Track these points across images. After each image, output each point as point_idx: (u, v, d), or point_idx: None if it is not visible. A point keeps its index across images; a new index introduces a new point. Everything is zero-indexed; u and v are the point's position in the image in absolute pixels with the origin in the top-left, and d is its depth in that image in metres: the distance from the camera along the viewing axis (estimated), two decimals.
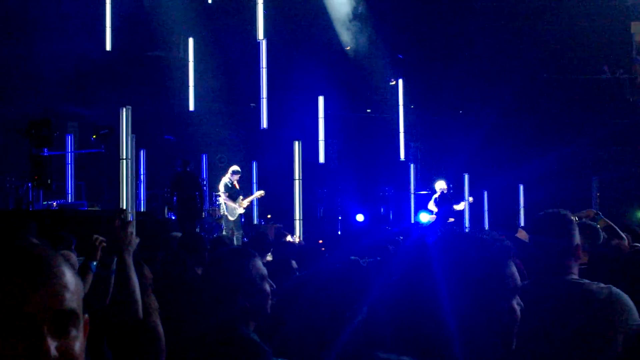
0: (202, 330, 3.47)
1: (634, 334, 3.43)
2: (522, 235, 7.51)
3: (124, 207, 12.05)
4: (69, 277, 1.51)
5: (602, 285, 3.94)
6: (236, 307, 3.38)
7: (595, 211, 7.92)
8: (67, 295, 1.49)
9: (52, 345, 1.45)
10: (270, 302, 3.54)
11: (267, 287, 3.52)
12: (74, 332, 1.50)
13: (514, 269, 2.21)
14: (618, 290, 3.90)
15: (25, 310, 1.44)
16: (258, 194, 19.68)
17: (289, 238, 13.40)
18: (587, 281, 3.98)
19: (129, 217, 3.99)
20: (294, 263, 7.10)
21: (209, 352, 3.33)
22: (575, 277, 4.04)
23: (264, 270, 3.52)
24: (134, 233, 4.30)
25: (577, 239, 4.09)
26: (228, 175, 18.21)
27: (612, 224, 7.36)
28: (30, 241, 1.53)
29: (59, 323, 1.47)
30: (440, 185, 19.57)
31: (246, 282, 3.41)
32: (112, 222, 4.38)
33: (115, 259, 4.32)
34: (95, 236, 5.09)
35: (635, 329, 3.62)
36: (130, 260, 4.28)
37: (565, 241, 4.02)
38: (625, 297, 3.87)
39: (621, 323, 3.76)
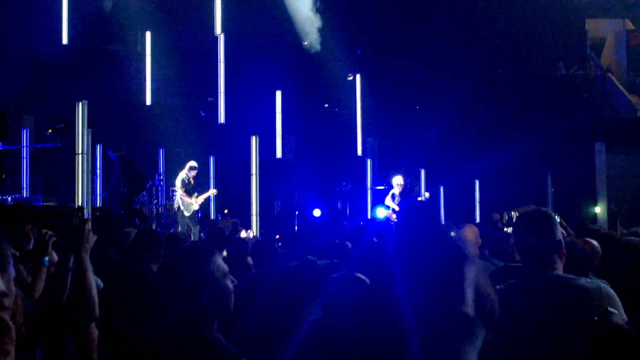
0: (164, 329, 3.45)
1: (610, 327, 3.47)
2: (469, 233, 7.47)
3: (82, 204, 11.98)
4: None
5: (589, 280, 4.08)
6: (200, 305, 3.36)
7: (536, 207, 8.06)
8: None
9: None
10: (232, 299, 3.52)
11: (230, 284, 3.52)
12: None
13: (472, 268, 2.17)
14: (606, 286, 4.03)
15: None
16: (211, 192, 19.70)
17: (243, 233, 13.41)
18: (573, 276, 4.06)
19: (86, 215, 3.96)
20: (249, 259, 7.10)
21: (174, 352, 3.29)
22: (561, 272, 4.11)
23: (225, 267, 3.51)
24: (91, 230, 4.29)
25: (559, 235, 4.18)
26: (185, 170, 18.15)
27: (562, 221, 7.51)
28: None
29: None
30: (398, 181, 19.67)
31: (208, 280, 3.40)
32: (70, 219, 4.36)
33: (72, 256, 4.31)
34: (44, 231, 5.07)
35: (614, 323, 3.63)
36: (87, 258, 4.26)
37: (549, 238, 4.10)
38: (613, 292, 3.98)
39: None
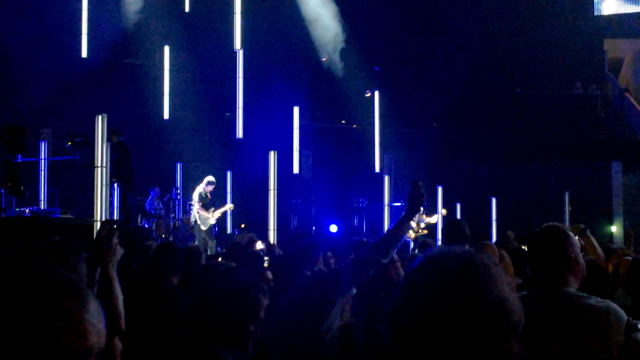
0: (175, 344, 3.46)
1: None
2: (488, 251, 7.48)
3: (108, 218, 12.01)
4: None
5: (600, 299, 3.97)
6: (216, 323, 3.38)
7: (582, 226, 8.02)
8: None
9: None
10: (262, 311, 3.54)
11: (263, 298, 3.53)
12: None
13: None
14: (615, 306, 3.93)
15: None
16: (228, 207, 19.71)
17: (259, 245, 13.36)
18: (585, 294, 4.00)
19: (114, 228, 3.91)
20: (269, 274, 7.10)
21: None
22: (573, 289, 4.06)
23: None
24: (118, 243, 4.28)
25: (574, 251, 4.12)
26: (203, 185, 18.20)
27: (594, 242, 7.49)
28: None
29: None
30: None
31: (233, 296, 3.42)
32: (89, 232, 4.36)
33: (99, 270, 4.29)
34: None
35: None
36: (114, 272, 4.26)
37: (562, 253, 4.07)
38: (622, 313, 3.89)
39: (617, 338, 3.74)
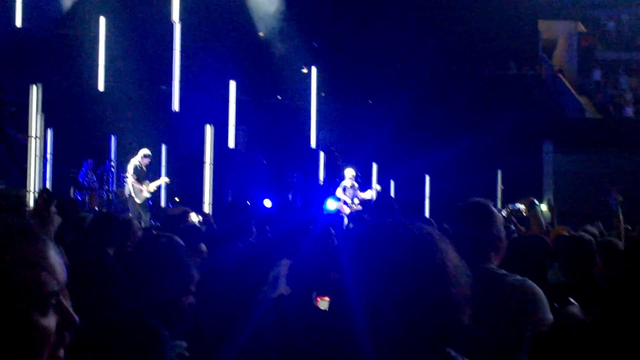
0: (112, 316, 3.48)
1: (544, 335, 3.47)
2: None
3: (44, 187, 11.90)
4: None
5: (518, 277, 3.96)
6: (152, 296, 3.40)
7: (532, 199, 8.24)
8: None
9: None
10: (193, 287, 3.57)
11: (195, 272, 3.57)
12: None
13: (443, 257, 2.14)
14: (532, 284, 3.94)
15: None
16: (163, 180, 19.51)
17: (193, 217, 13.30)
18: (504, 272, 4.00)
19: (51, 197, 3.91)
20: (203, 246, 7.08)
21: (115, 340, 3.30)
22: (494, 267, 4.04)
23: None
24: (55, 212, 4.29)
25: (498, 229, 4.11)
26: (138, 157, 18.06)
27: (539, 216, 7.67)
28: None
29: None
30: (350, 173, 19.79)
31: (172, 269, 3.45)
32: (21, 202, 4.36)
33: None
34: None
35: (544, 330, 3.64)
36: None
37: (485, 231, 4.04)
38: (539, 291, 3.91)
39: (531, 316, 3.82)
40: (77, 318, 1.64)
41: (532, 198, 8.70)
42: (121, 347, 3.22)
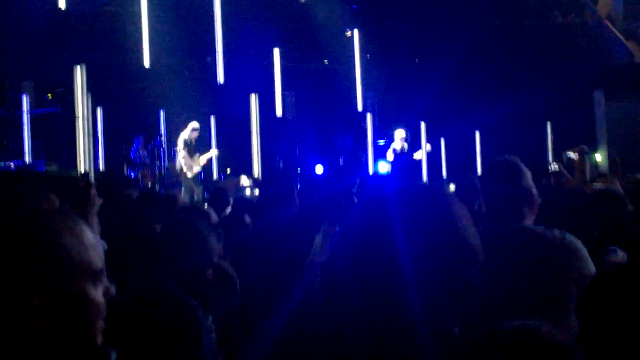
0: (144, 289, 3.54)
1: (588, 286, 3.44)
2: None
3: (86, 169, 12.07)
4: None
5: (557, 232, 3.91)
6: (185, 271, 3.47)
7: (583, 147, 8.18)
8: None
9: None
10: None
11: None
12: None
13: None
14: (572, 238, 3.89)
15: None
16: (213, 152, 19.56)
17: (244, 180, 13.35)
18: (541, 228, 3.96)
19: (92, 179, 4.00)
20: (247, 217, 7.12)
21: (146, 312, 3.40)
22: (529, 223, 4.02)
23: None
24: (96, 194, 4.36)
25: (528, 183, 4.06)
26: (187, 131, 18.17)
27: (586, 167, 7.61)
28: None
29: None
30: (400, 134, 19.73)
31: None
32: (74, 184, 4.42)
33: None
34: None
35: (588, 281, 3.61)
36: (94, 223, 4.36)
37: (516, 187, 3.99)
38: (579, 245, 3.87)
39: (574, 271, 3.76)
40: (114, 290, 1.88)
41: (583, 146, 8.61)
42: (158, 323, 3.28)
